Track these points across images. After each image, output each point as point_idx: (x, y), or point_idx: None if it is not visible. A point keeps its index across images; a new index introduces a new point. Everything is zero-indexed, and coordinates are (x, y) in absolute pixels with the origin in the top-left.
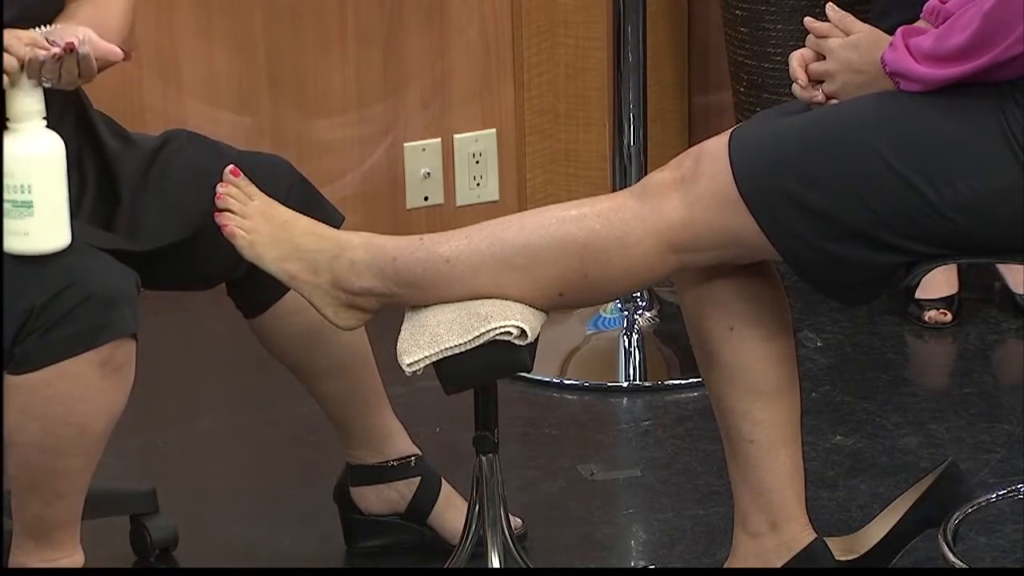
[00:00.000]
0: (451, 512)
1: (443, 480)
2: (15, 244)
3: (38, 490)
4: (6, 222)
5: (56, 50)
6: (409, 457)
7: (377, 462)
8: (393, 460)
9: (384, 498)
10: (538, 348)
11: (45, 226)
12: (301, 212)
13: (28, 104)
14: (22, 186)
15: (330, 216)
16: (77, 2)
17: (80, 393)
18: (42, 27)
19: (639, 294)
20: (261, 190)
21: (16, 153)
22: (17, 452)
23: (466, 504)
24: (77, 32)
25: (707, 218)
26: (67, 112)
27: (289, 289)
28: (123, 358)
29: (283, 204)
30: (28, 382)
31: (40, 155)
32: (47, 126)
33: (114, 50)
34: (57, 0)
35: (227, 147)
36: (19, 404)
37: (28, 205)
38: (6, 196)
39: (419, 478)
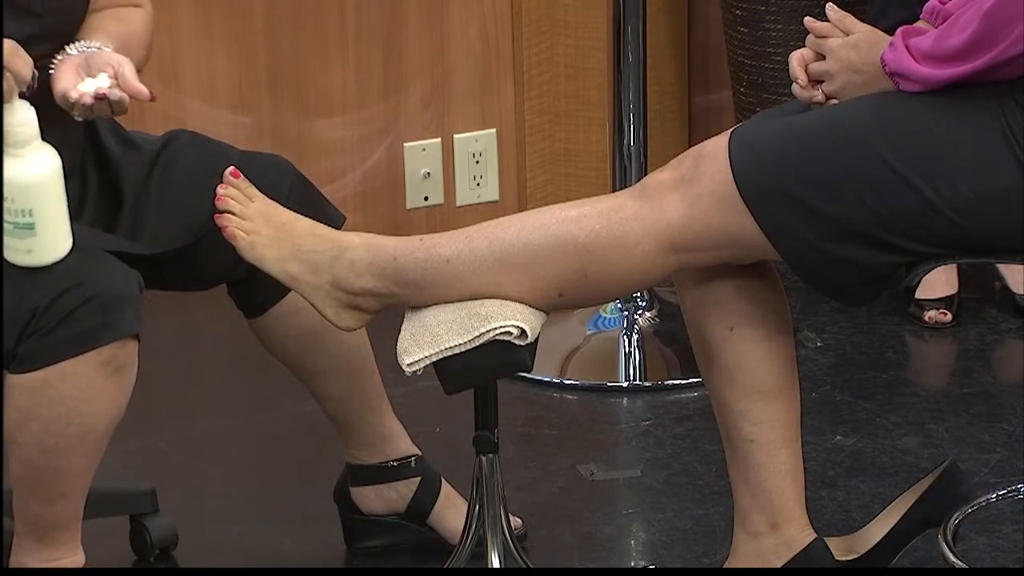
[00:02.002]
0: (451, 512)
1: (443, 480)
2: (19, 259)
3: (39, 490)
4: (8, 240)
5: (88, 101)
6: (409, 457)
7: (377, 462)
8: (393, 460)
9: (384, 498)
10: (538, 348)
11: (47, 242)
12: (302, 212)
13: (27, 129)
14: (24, 211)
15: (331, 216)
16: (100, 15)
17: (82, 393)
18: (73, 45)
19: (639, 294)
20: (262, 190)
21: (17, 180)
22: (19, 451)
23: (466, 504)
24: (111, 60)
25: (707, 218)
26: (71, 118)
27: (290, 290)
28: (125, 358)
29: (284, 204)
30: (30, 382)
31: (40, 180)
32: (44, 136)
33: (143, 91)
34: (77, 14)
35: (229, 147)
36: (21, 404)
37: (31, 227)
38: (8, 218)
39: (419, 478)
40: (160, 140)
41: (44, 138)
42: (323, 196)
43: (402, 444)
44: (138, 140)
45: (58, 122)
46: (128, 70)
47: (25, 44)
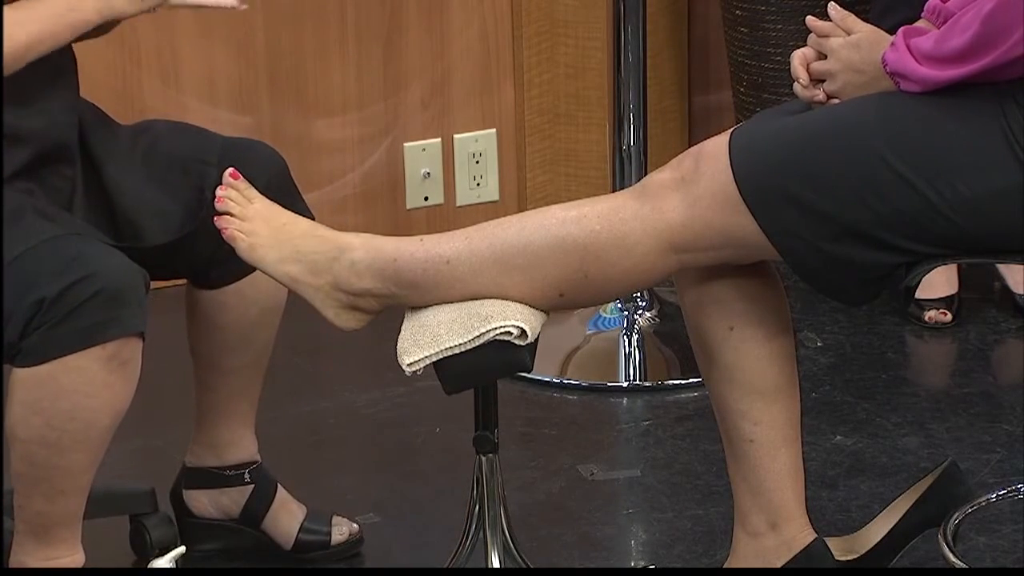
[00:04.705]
0: (285, 517)
1: (279, 486)
2: None
3: (40, 486)
4: None
5: None
6: (246, 465)
7: (212, 466)
8: (229, 468)
9: (217, 503)
10: (538, 348)
11: None
12: (278, 201)
13: None
14: None
15: (301, 213)
16: None
17: (86, 388)
18: None
19: (639, 294)
20: (244, 175)
21: None
22: (20, 447)
23: (302, 509)
24: None
25: (707, 218)
26: (61, 98)
27: (244, 277)
28: (129, 354)
29: (263, 190)
30: (34, 375)
31: None
32: (31, 114)
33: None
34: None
35: (211, 133)
36: (24, 398)
37: None
38: None
39: (252, 486)
40: (130, 132)
41: (32, 116)
42: (299, 192)
43: (245, 452)
44: (111, 136)
45: (45, 101)
46: None
47: None
